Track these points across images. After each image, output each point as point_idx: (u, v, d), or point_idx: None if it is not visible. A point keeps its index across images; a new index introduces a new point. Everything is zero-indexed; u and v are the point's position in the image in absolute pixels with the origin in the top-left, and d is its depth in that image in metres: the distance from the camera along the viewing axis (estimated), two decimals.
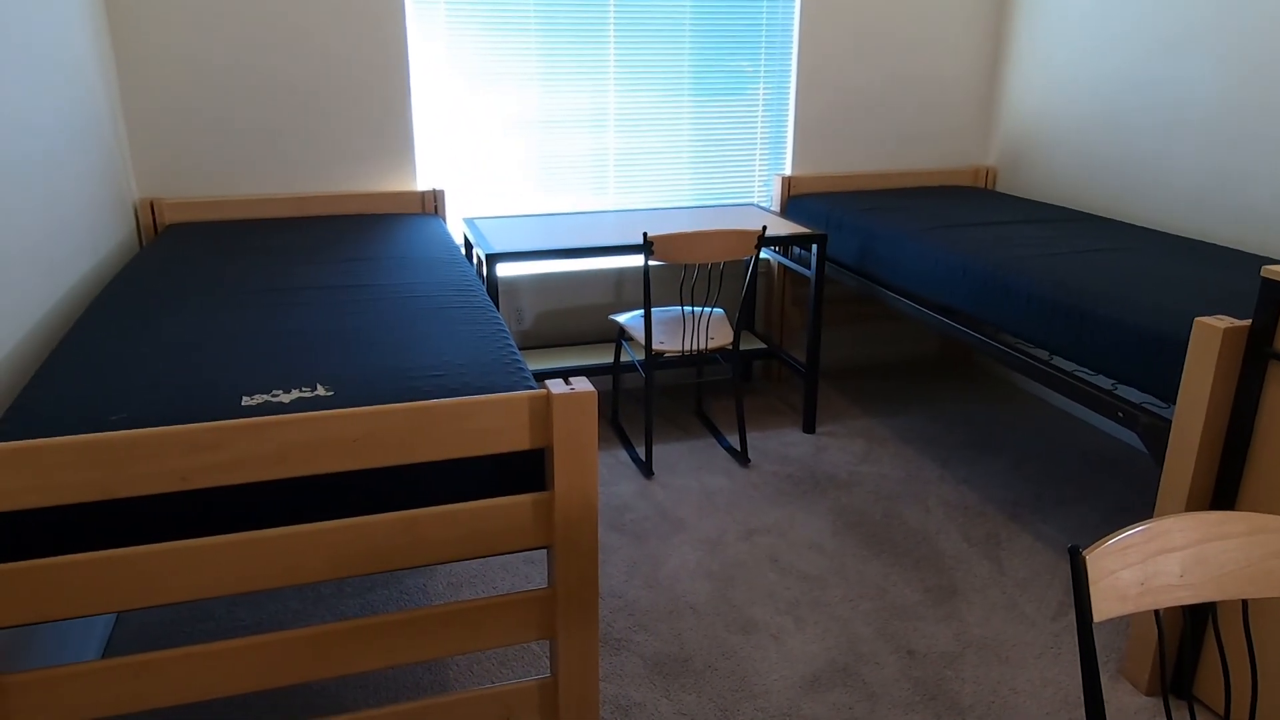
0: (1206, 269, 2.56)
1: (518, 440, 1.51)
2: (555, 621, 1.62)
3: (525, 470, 1.59)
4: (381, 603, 2.43)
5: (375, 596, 2.45)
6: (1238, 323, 1.87)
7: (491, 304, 2.21)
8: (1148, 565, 1.16)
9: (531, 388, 1.68)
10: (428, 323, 2.03)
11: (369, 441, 1.44)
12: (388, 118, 3.28)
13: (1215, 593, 1.18)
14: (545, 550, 1.87)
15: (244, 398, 1.59)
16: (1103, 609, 1.13)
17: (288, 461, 1.40)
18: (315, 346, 1.86)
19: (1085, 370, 2.42)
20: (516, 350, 1.88)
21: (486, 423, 1.49)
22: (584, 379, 1.55)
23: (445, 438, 1.47)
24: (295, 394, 1.61)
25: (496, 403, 1.48)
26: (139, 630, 2.30)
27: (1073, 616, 2.37)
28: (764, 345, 3.67)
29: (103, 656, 2.19)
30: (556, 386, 1.51)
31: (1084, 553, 1.12)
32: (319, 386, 1.64)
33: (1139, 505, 2.96)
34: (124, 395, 1.61)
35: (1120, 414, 2.22)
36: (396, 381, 1.68)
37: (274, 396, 1.60)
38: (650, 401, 3.12)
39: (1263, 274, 1.81)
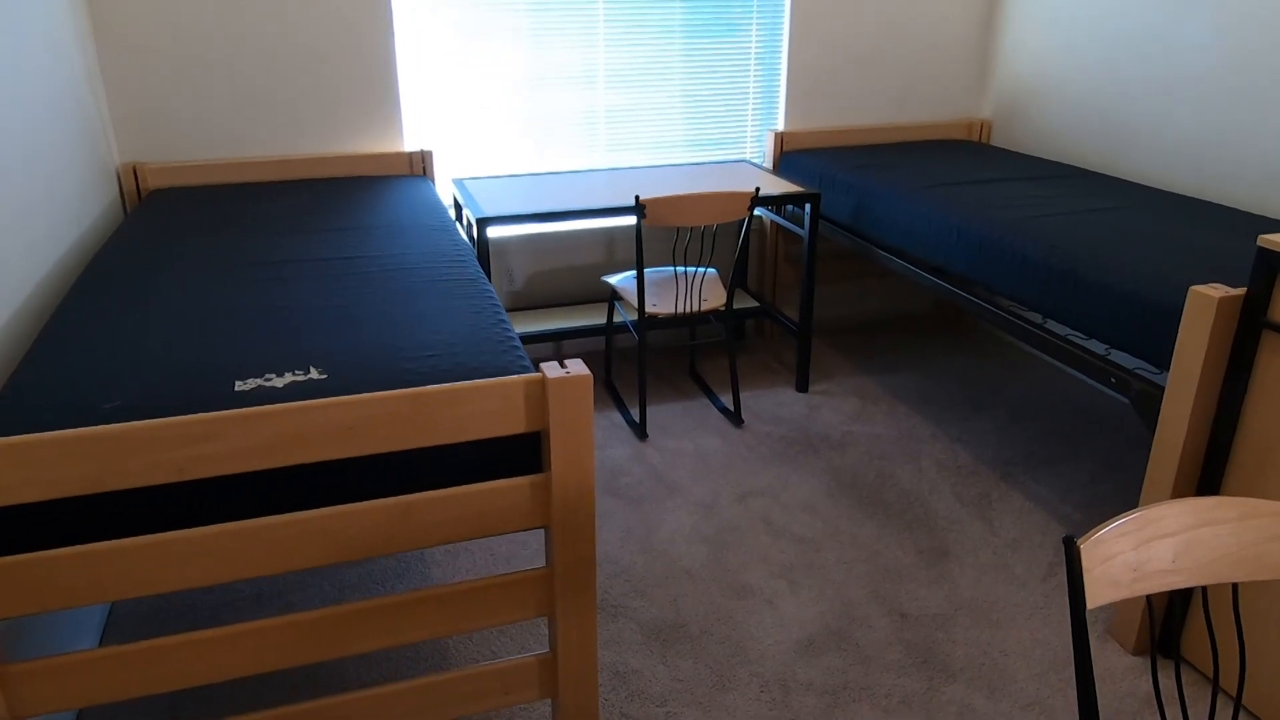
0: (1201, 230, 2.55)
1: (513, 424, 1.51)
2: (554, 600, 1.64)
3: (523, 450, 1.59)
4: (380, 571, 2.45)
5: (374, 565, 2.47)
6: (1232, 291, 1.86)
7: (484, 276, 2.19)
8: (1141, 551, 1.17)
9: (526, 366, 1.67)
10: (420, 297, 2.01)
11: (365, 429, 1.43)
12: (373, 77, 3.21)
13: (1206, 577, 1.19)
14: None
15: (237, 382, 1.58)
16: (1096, 595, 1.15)
17: (283, 451, 1.40)
18: (306, 324, 1.84)
19: (1079, 334, 2.42)
20: (510, 327, 1.87)
21: (482, 407, 1.48)
22: (579, 361, 1.54)
23: (441, 423, 1.47)
24: (289, 377, 1.60)
25: (492, 388, 1.47)
26: (136, 608, 2.32)
27: (1062, 577, 2.41)
28: (757, 304, 3.66)
29: (101, 635, 2.21)
30: (552, 370, 1.51)
31: (1079, 542, 1.13)
32: (312, 369, 1.63)
33: (1130, 462, 2.99)
34: (115, 379, 1.60)
35: (1113, 380, 2.23)
36: (390, 362, 1.67)
37: (267, 381, 1.59)
38: (644, 364, 3.11)
39: (1259, 243, 1.80)
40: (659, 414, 3.31)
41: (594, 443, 1.59)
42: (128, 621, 2.26)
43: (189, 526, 1.42)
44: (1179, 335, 1.94)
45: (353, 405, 1.42)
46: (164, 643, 1.45)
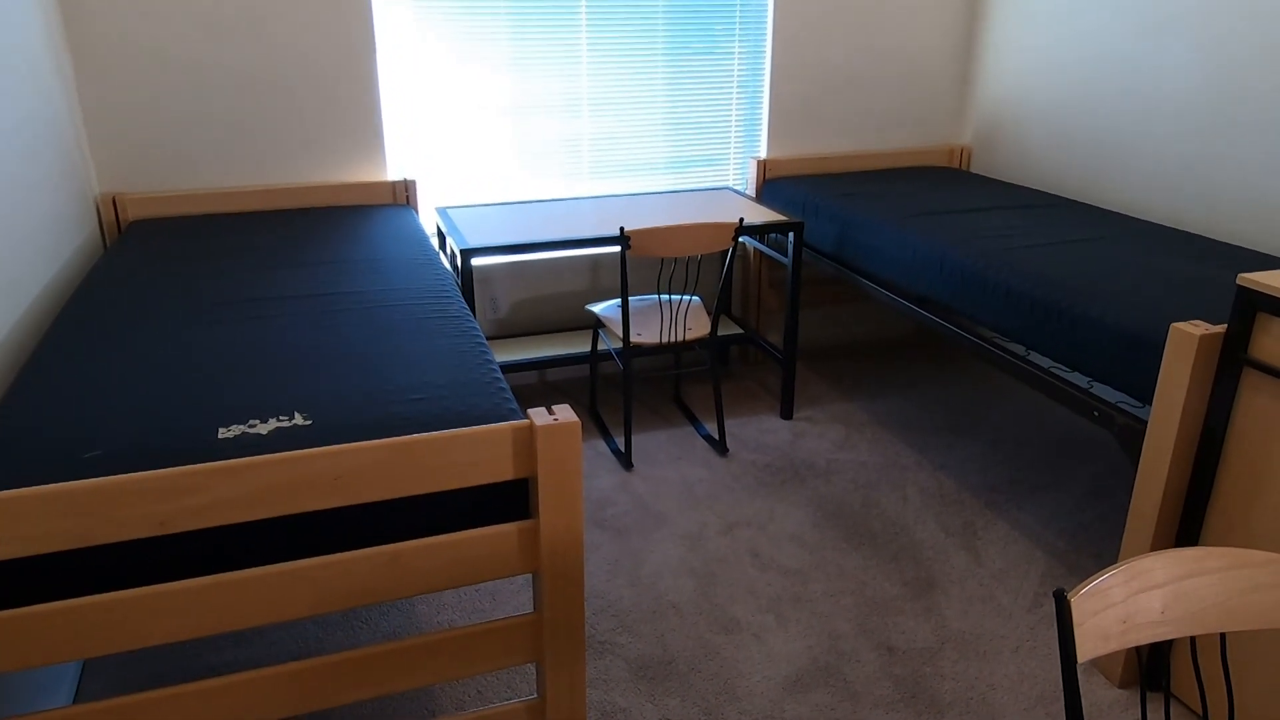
0: (1180, 261, 2.57)
1: (501, 471, 1.50)
2: (542, 645, 1.63)
3: (510, 495, 1.58)
4: (364, 610, 2.42)
5: None
6: (1213, 329, 1.88)
7: (468, 311, 2.18)
8: (1130, 604, 1.17)
9: (513, 410, 1.66)
10: (404, 337, 2.00)
11: (351, 478, 1.42)
12: (356, 106, 3.21)
13: (1195, 627, 1.20)
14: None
15: (220, 429, 1.56)
16: (1087, 649, 1.15)
17: (269, 502, 1.38)
18: (290, 366, 1.83)
19: (1062, 367, 2.44)
20: (496, 366, 1.86)
21: (470, 455, 1.47)
22: (567, 407, 1.53)
23: (428, 472, 1.46)
24: (273, 424, 1.58)
25: (480, 436, 1.47)
26: (112, 659, 2.28)
27: (1048, 608, 2.42)
28: (741, 330, 3.66)
29: (77, 684, 2.16)
30: (540, 417, 1.50)
31: (1069, 596, 1.13)
32: (296, 415, 1.61)
33: (1115, 488, 3.01)
34: (96, 426, 1.57)
35: (1096, 413, 2.25)
36: (375, 406, 1.65)
37: (251, 427, 1.57)
38: (629, 396, 3.11)
39: (1238, 282, 1.82)
40: (644, 442, 3.30)
41: (582, 489, 1.58)
42: (105, 664, 2.22)
43: (173, 579, 1.40)
44: (1160, 372, 1.96)
45: (340, 455, 1.40)
46: (144, 698, 1.43)
